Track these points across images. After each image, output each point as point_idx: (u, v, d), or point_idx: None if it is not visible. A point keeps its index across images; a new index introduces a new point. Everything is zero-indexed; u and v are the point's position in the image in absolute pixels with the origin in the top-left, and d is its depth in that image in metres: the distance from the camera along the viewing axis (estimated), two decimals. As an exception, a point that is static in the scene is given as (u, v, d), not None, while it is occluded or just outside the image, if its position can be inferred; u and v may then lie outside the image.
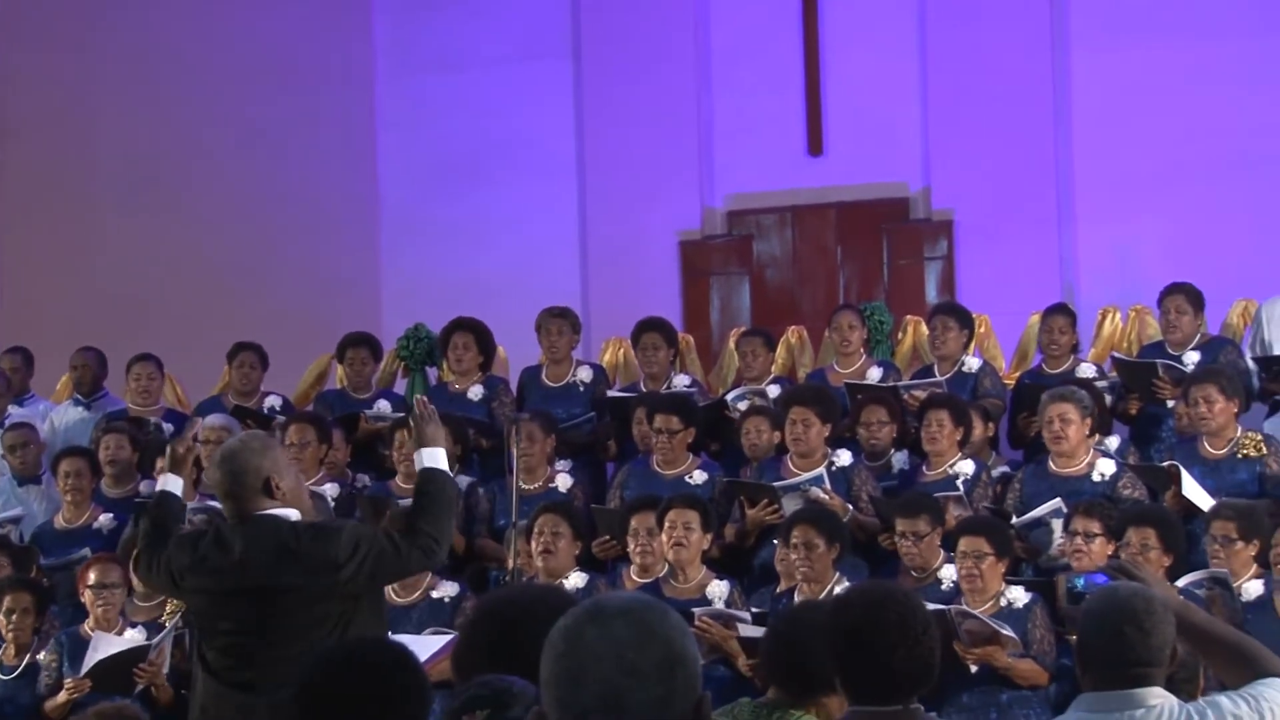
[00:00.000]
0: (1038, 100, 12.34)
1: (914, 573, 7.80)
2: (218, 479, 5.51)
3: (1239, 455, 8.33)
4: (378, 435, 9.90)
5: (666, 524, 7.91)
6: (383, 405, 10.25)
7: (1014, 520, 8.11)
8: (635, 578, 8.11)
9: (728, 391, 10.32)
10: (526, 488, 9.00)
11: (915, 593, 4.09)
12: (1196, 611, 4.01)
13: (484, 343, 10.33)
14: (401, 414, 9.87)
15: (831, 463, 8.63)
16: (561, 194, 13.15)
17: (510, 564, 7.94)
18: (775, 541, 7.98)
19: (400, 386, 11.28)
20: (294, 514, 5.51)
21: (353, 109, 13.44)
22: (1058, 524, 7.95)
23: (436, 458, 5.66)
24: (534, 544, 7.99)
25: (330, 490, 9.09)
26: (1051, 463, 8.40)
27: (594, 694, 2.53)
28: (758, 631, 6.75)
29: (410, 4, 13.48)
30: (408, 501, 7.78)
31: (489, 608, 3.46)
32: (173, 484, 5.95)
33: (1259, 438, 8.39)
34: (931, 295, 12.43)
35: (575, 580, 7.94)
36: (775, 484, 8.50)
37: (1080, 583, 4.08)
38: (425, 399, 6.05)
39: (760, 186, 12.91)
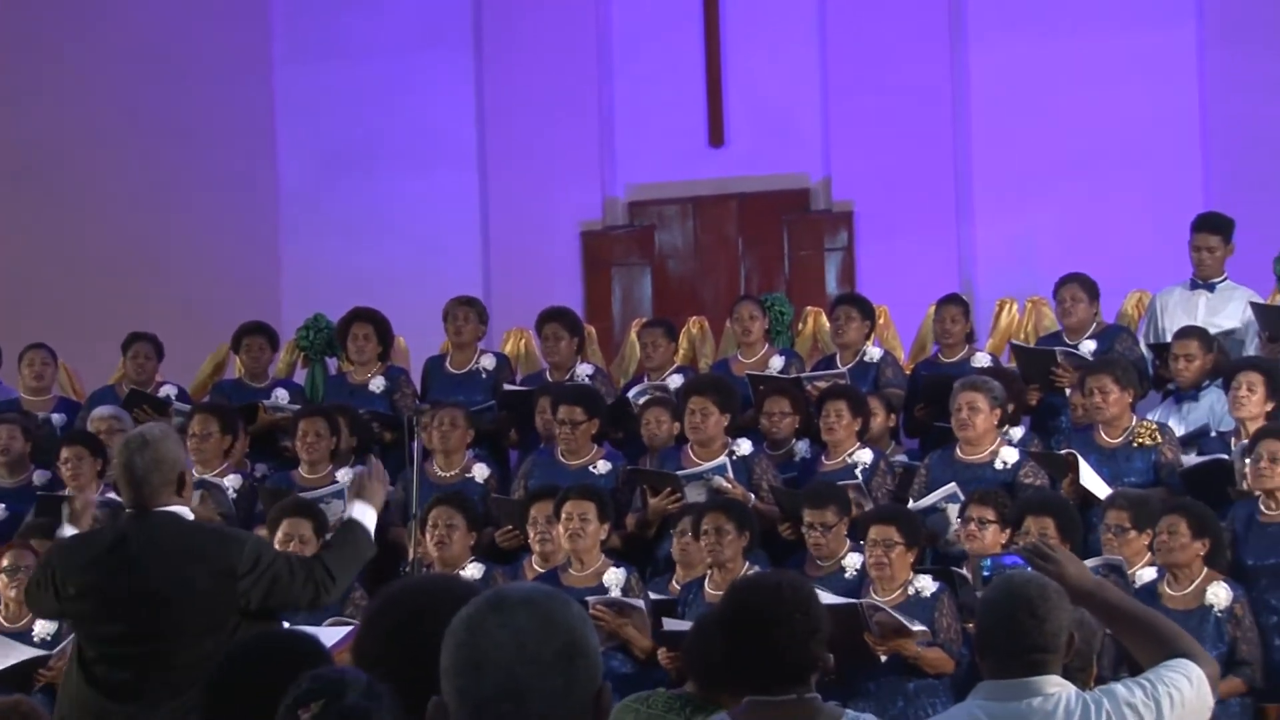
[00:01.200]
0: (936, 93, 12.44)
1: (820, 562, 7.84)
2: (133, 465, 5.40)
3: (1134, 444, 8.43)
4: (276, 425, 9.84)
5: (563, 515, 7.92)
6: (280, 395, 10.18)
7: (912, 504, 8.18)
8: (536, 567, 8.12)
9: (630, 383, 10.34)
10: (444, 475, 9.00)
11: (808, 582, 4.12)
12: (1112, 590, 4.04)
13: (383, 333, 10.29)
14: (300, 405, 9.82)
15: (732, 452, 8.66)
16: (462, 184, 13.10)
17: (411, 554, 7.92)
18: (672, 532, 7.99)
19: (300, 377, 11.21)
20: (189, 513, 5.48)
21: (250, 97, 13.32)
22: (953, 509, 8.03)
23: (367, 515, 5.78)
24: (428, 535, 7.98)
25: (231, 482, 9.02)
26: (958, 450, 8.48)
27: (494, 683, 2.53)
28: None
29: (307, -10, 13.38)
30: (312, 493, 7.75)
31: (389, 597, 3.45)
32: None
33: (1154, 427, 8.49)
34: (832, 286, 12.50)
35: (472, 571, 7.93)
36: (679, 473, 8.53)
37: (990, 564, 4.11)
38: (379, 464, 6.14)
39: (662, 177, 12.94)
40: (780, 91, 12.71)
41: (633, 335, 10.94)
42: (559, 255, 12.89)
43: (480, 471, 9.12)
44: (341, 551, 5.66)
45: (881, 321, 10.68)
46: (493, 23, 13.07)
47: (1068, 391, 9.18)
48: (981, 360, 9.75)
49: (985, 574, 4.07)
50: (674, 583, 7.89)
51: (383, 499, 5.89)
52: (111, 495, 7.90)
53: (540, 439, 9.53)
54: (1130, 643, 4.01)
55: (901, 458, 9.19)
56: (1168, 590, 7.22)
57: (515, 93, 12.97)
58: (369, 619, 3.37)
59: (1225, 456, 8.21)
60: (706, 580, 7.63)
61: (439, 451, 9.09)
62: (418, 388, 10.30)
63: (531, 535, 8.16)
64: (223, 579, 5.33)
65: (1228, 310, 9.66)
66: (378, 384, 10.10)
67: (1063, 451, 8.33)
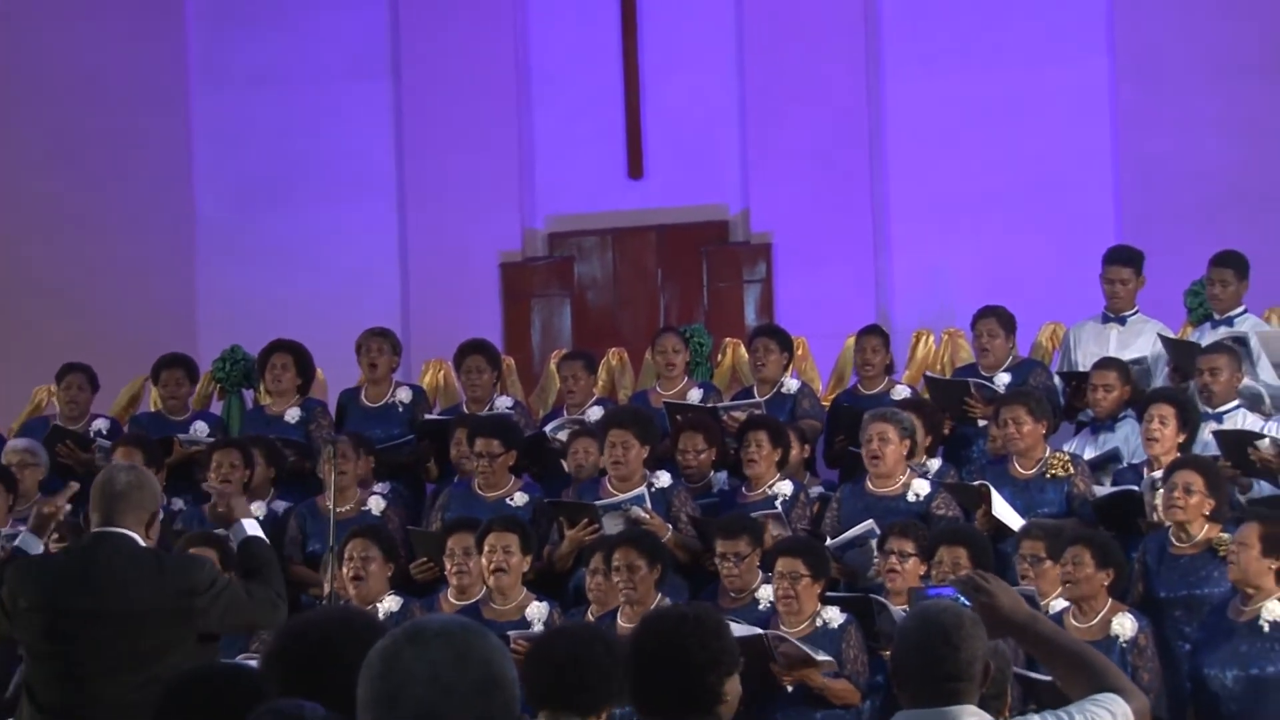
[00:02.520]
0: (854, 126, 12.53)
1: (733, 594, 7.85)
2: (114, 481, 5.51)
3: (1047, 475, 8.50)
4: (192, 459, 9.76)
5: (486, 547, 7.88)
6: (199, 427, 10.10)
7: (829, 542, 8.20)
8: (453, 600, 8.07)
9: (549, 415, 10.32)
10: (339, 510, 8.93)
11: (716, 613, 4.13)
12: (1045, 623, 4.05)
13: (303, 365, 10.22)
14: (216, 438, 9.75)
15: (651, 484, 8.66)
16: (381, 214, 13.07)
17: (326, 588, 7.86)
18: (585, 570, 7.97)
19: (217, 408, 11.13)
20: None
21: (166, 126, 13.23)
22: (874, 544, 8.05)
23: (252, 526, 5.89)
24: (345, 569, 7.92)
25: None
26: (869, 482, 8.51)
27: (411, 715, 2.53)
28: None
29: (224, 19, 13.31)
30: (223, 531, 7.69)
31: (294, 631, 3.45)
32: (31, 544, 5.84)
33: (1066, 458, 8.57)
34: (750, 317, 12.55)
35: (389, 604, 7.88)
36: (597, 503, 8.52)
37: (924, 596, 4.13)
38: (214, 484, 6.28)
39: (581, 208, 12.95)
40: (699, 123, 12.77)
41: (552, 367, 10.93)
42: (478, 286, 12.87)
43: (376, 504, 9.07)
44: (266, 568, 5.79)
45: (800, 353, 10.73)
46: (412, 54, 13.07)
47: (981, 423, 9.25)
48: (900, 392, 9.80)
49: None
50: (589, 616, 7.86)
51: (245, 503, 6.04)
52: (22, 528, 7.80)
53: (456, 472, 9.49)
54: (1061, 676, 4.03)
55: (818, 489, 9.22)
56: (1073, 621, 7.26)
57: (435, 124, 12.96)
58: (272, 653, 3.36)
59: (1136, 488, 8.29)
60: (619, 613, 7.62)
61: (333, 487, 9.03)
62: (334, 420, 10.24)
63: (449, 568, 8.11)
64: (181, 597, 5.39)
65: (1138, 343, 9.77)
66: (293, 415, 10.04)
67: (975, 483, 8.39)
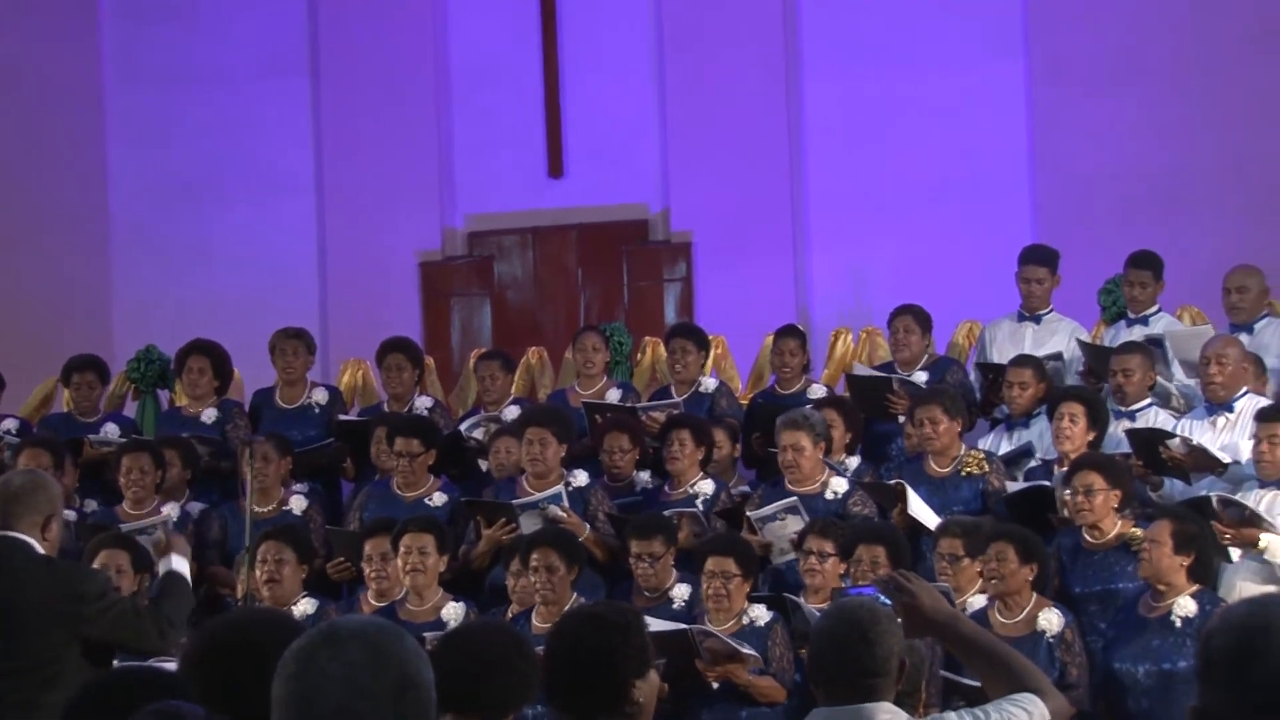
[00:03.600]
0: (772, 125, 12.57)
1: (647, 593, 7.87)
2: (8, 484, 5.57)
3: (962, 473, 8.57)
4: (103, 460, 9.68)
5: (402, 548, 7.87)
6: (110, 429, 10.02)
7: (750, 512, 8.24)
8: (372, 601, 8.06)
9: (467, 414, 10.31)
10: (260, 510, 8.89)
11: (633, 610, 4.14)
12: (966, 623, 4.07)
13: (220, 366, 10.16)
14: (127, 439, 9.67)
15: (568, 482, 8.66)
16: (300, 213, 12.99)
17: (240, 590, 7.82)
18: (506, 569, 7.96)
19: (131, 409, 11.04)
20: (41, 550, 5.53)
21: (80, 124, 13.10)
22: (793, 521, 8.09)
23: (183, 565, 6.04)
24: (258, 571, 7.89)
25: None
26: (788, 483, 8.55)
27: (326, 716, 2.51)
28: None
29: (139, 16, 13.18)
30: (132, 525, 7.75)
31: (209, 634, 3.43)
32: None
33: (981, 455, 8.64)
34: (670, 316, 12.57)
35: (304, 606, 7.86)
36: (514, 502, 8.51)
37: (846, 596, 4.14)
38: (169, 532, 6.38)
39: (501, 207, 12.93)
40: (619, 122, 12.78)
41: (471, 366, 10.91)
42: (397, 286, 12.82)
43: (298, 504, 9.04)
44: (174, 603, 5.86)
45: (719, 352, 10.76)
46: (330, 52, 13.00)
47: (901, 419, 9.32)
48: (818, 391, 9.85)
49: None
50: (507, 615, 7.85)
51: (186, 545, 6.17)
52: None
53: (376, 471, 9.46)
54: (982, 675, 4.05)
55: (744, 489, 9.25)
56: (998, 617, 7.32)
57: (353, 123, 12.90)
58: (190, 655, 3.35)
59: (1047, 483, 8.37)
60: (534, 613, 7.61)
61: (254, 487, 8.98)
62: (249, 421, 10.19)
63: (367, 570, 8.10)
64: (68, 602, 5.43)
65: (1053, 341, 9.87)
66: (210, 415, 9.98)
67: (892, 481, 8.44)
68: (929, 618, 3.92)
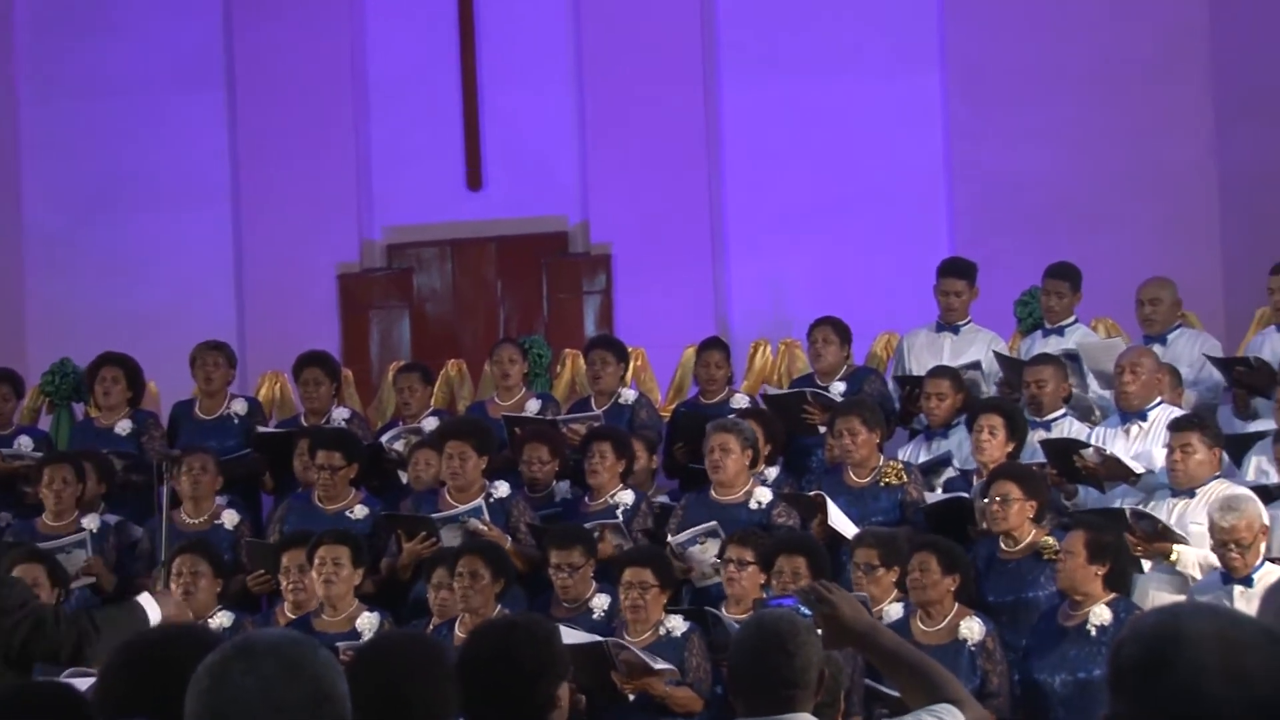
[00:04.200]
0: (691, 137, 12.61)
1: (566, 603, 7.86)
2: None
3: (881, 484, 8.61)
4: (15, 473, 9.59)
5: (316, 560, 7.85)
6: (23, 442, 9.92)
7: (671, 538, 8.25)
8: (288, 614, 8.02)
9: (386, 427, 10.27)
10: (193, 521, 8.85)
11: (548, 622, 4.13)
12: (886, 633, 4.07)
13: (133, 378, 10.09)
14: (43, 452, 9.59)
15: (489, 495, 8.65)
16: (216, 225, 12.91)
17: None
18: (427, 584, 7.93)
19: (45, 423, 10.93)
20: None
21: (-6, 134, 12.97)
22: (714, 544, 8.11)
23: (152, 609, 5.88)
24: (174, 585, 7.84)
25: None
26: (713, 491, 8.58)
27: (241, 731, 2.49)
28: None
29: (54, 27, 13.06)
30: (52, 544, 7.65)
31: (130, 646, 3.40)
32: None
33: (899, 466, 8.69)
34: (590, 328, 12.58)
35: (220, 619, 7.83)
36: (434, 515, 8.48)
37: (768, 607, 4.14)
38: (160, 592, 6.32)
39: (420, 219, 12.89)
40: (538, 135, 12.78)
41: (390, 379, 10.88)
42: (315, 298, 12.77)
43: (230, 518, 8.99)
44: (115, 613, 5.74)
45: (639, 364, 10.78)
46: (246, 63, 12.92)
47: (822, 429, 9.36)
48: (740, 402, 9.88)
49: None
50: (429, 629, 7.83)
51: (170, 613, 5.99)
52: None
53: (296, 483, 9.42)
54: (900, 685, 4.06)
55: (663, 499, 9.27)
56: (920, 626, 7.36)
57: (271, 134, 12.83)
58: (109, 668, 3.31)
59: (966, 495, 8.43)
60: (457, 623, 7.59)
61: (188, 498, 8.93)
62: (167, 432, 10.12)
63: (284, 583, 8.07)
64: None
65: (971, 352, 9.94)
66: (124, 427, 9.91)
67: (811, 493, 8.48)
68: (849, 628, 3.92)
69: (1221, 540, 7.37)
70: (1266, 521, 7.49)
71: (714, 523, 8.21)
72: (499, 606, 7.60)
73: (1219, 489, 8.00)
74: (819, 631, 3.94)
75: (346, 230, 12.87)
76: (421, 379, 10.26)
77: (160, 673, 3.19)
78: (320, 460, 8.83)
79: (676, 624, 7.47)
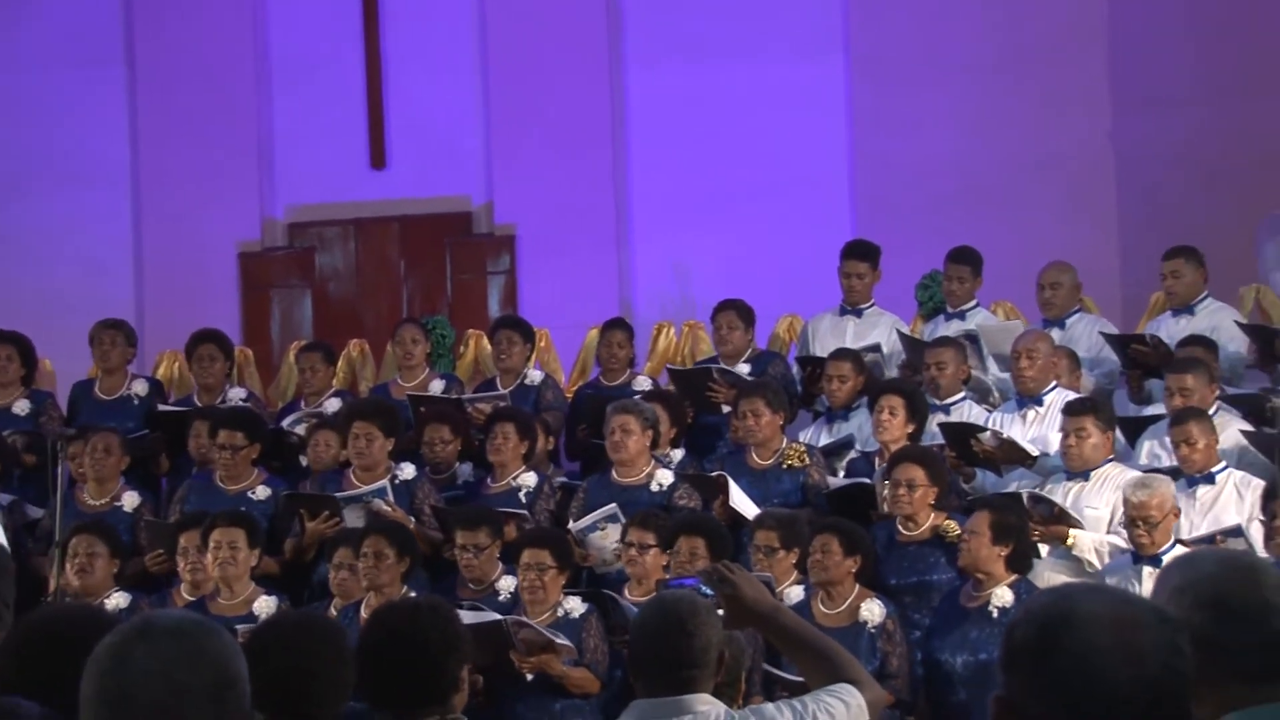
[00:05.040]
0: (596, 120, 12.61)
1: (472, 584, 7.86)
2: None
3: (784, 466, 8.66)
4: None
5: (211, 542, 7.81)
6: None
7: (571, 525, 8.26)
8: (185, 595, 7.97)
9: (287, 407, 10.22)
10: (94, 503, 8.77)
11: (446, 603, 4.13)
12: (787, 614, 4.09)
13: (26, 355, 9.98)
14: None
15: (395, 476, 8.62)
16: (115, 204, 12.77)
17: (52, 584, 7.70)
18: (327, 564, 7.91)
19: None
20: None
21: (-110, 111, 12.76)
22: (614, 529, 8.13)
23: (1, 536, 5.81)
24: (69, 565, 7.77)
25: None
26: (614, 473, 8.59)
27: (141, 714, 2.48)
28: None
29: (-50, 5, 12.88)
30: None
31: (26, 626, 3.37)
32: None
33: (802, 449, 8.74)
34: (494, 309, 12.56)
35: (117, 600, 7.78)
36: (338, 495, 8.46)
37: (670, 587, 4.15)
38: None
39: (322, 198, 12.82)
40: (442, 114, 12.73)
41: (290, 358, 10.82)
42: (216, 277, 12.66)
43: (130, 499, 8.92)
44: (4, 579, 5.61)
45: (543, 344, 10.78)
46: (146, 41, 12.78)
47: (725, 409, 9.40)
48: (642, 383, 9.90)
49: None
50: (331, 609, 7.80)
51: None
52: None
53: (193, 464, 9.35)
54: (802, 666, 4.09)
55: (562, 480, 9.27)
56: (821, 608, 7.41)
57: (170, 112, 12.70)
58: (4, 648, 3.28)
59: (868, 480, 8.49)
60: (364, 605, 7.58)
61: (91, 479, 8.85)
62: (65, 412, 10.02)
63: (181, 564, 8.03)
64: None
65: (874, 335, 10.01)
66: (22, 406, 9.80)
67: (714, 474, 8.51)
68: (751, 609, 3.94)
69: (1131, 517, 7.47)
70: (1178, 504, 7.59)
71: (614, 506, 8.22)
72: (405, 587, 7.59)
73: (1113, 472, 8.12)
74: (720, 612, 3.96)
75: (248, 209, 12.78)
76: (324, 358, 10.20)
77: (54, 652, 3.16)
78: (222, 440, 8.78)
79: (575, 606, 7.49)
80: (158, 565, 8.51)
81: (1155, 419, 8.72)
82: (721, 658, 4.01)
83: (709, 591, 3.98)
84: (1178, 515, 7.57)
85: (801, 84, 12.43)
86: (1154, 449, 8.56)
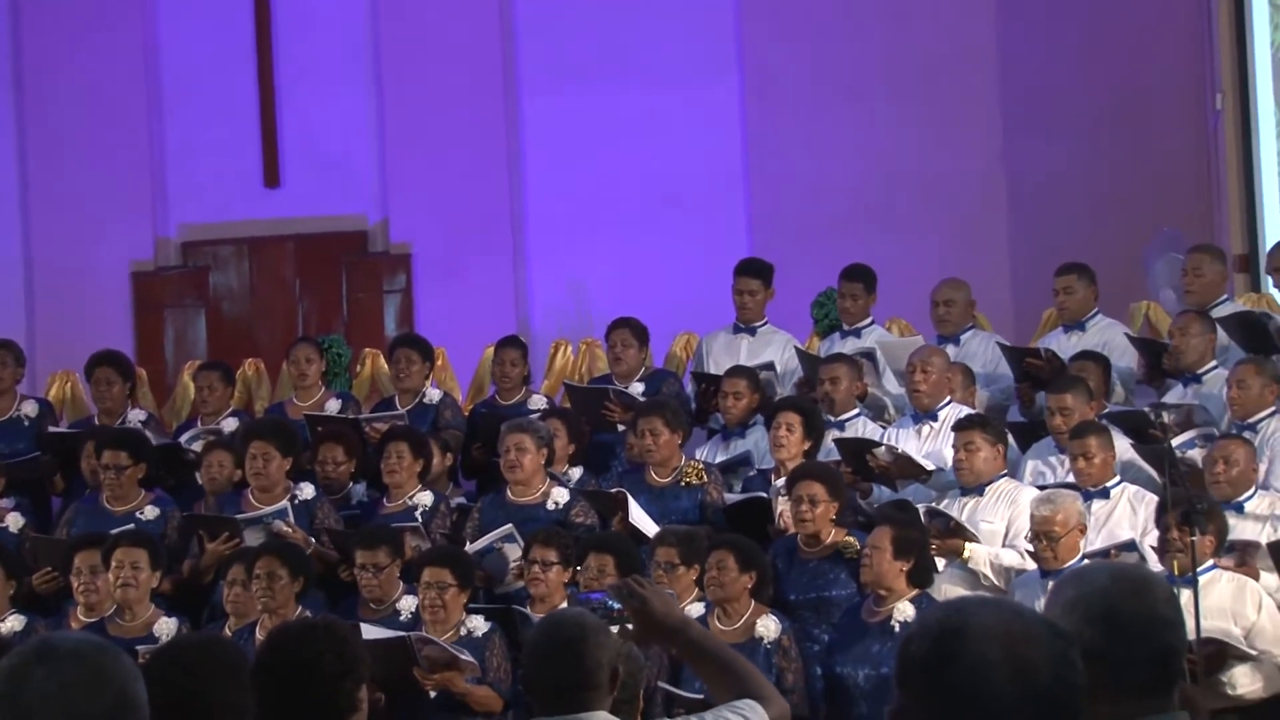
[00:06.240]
0: (492, 137, 12.62)
1: (373, 604, 7.83)
2: None
3: (682, 483, 8.69)
4: None
5: (113, 563, 7.74)
6: None
7: (468, 547, 8.24)
8: (82, 617, 7.89)
9: (183, 426, 10.14)
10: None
11: (345, 623, 4.11)
12: (696, 628, 4.09)
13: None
14: None
15: (294, 496, 8.58)
16: (4, 223, 12.62)
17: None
18: (223, 581, 7.87)
19: None
20: None
21: None
22: (511, 549, 8.13)
23: None
24: None
25: None
26: (509, 492, 8.58)
27: (41, 738, 2.47)
28: None
29: None
30: None
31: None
32: None
33: (700, 466, 8.77)
34: (390, 328, 12.52)
35: (11, 623, 7.70)
36: (238, 517, 8.41)
37: (579, 601, 4.15)
38: None
39: (216, 217, 12.73)
40: (337, 132, 12.68)
41: (186, 378, 10.74)
42: (109, 296, 12.54)
43: (14, 521, 8.81)
44: None
45: (440, 363, 10.76)
46: (35, 59, 12.64)
47: (620, 428, 9.42)
48: (539, 402, 9.90)
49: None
50: (226, 629, 7.75)
51: None
52: None
53: (85, 485, 9.26)
54: (708, 680, 4.10)
55: (461, 499, 9.26)
56: (717, 624, 7.43)
57: (60, 131, 12.57)
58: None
59: (764, 494, 8.54)
60: (258, 626, 7.54)
61: None
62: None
63: (76, 585, 7.93)
64: None
65: (767, 353, 10.07)
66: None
67: (613, 490, 8.53)
68: (660, 623, 3.93)
69: (1035, 532, 7.56)
70: (1085, 520, 7.67)
71: (509, 526, 8.21)
72: (299, 607, 7.55)
73: (1007, 487, 8.21)
74: (628, 626, 3.97)
75: (140, 228, 12.67)
76: (222, 378, 10.14)
77: None
78: (106, 460, 8.71)
79: (478, 624, 7.48)
80: (45, 583, 8.41)
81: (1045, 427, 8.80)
82: (615, 675, 4.00)
83: (617, 605, 3.99)
84: (1083, 531, 7.65)
85: (697, 105, 12.51)
86: (1038, 467, 8.66)
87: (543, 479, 8.58)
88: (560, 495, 8.53)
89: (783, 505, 8.15)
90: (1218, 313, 9.39)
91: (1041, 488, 8.12)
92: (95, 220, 12.53)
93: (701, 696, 6.70)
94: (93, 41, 12.58)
